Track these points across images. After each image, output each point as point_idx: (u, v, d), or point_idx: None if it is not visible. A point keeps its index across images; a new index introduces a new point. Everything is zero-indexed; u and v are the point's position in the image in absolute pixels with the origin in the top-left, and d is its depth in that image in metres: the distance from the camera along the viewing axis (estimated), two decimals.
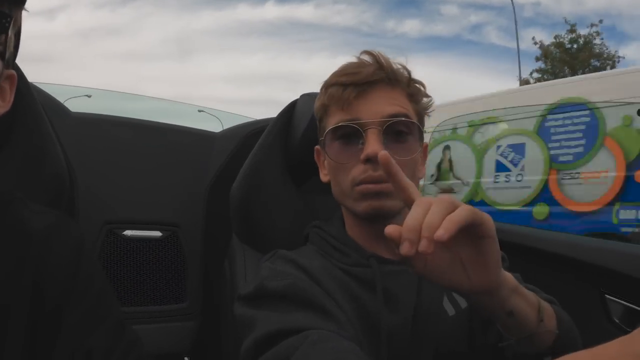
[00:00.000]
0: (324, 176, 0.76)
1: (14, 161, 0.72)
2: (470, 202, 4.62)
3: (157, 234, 1.29)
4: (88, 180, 1.14)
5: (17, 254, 0.56)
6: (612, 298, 0.96)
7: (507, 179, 4.72)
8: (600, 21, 15.85)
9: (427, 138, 0.77)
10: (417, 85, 0.72)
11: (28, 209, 0.61)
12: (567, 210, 4.35)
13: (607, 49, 15.66)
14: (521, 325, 0.56)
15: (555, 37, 16.32)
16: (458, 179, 5.02)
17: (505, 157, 4.76)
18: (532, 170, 4.58)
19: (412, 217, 0.46)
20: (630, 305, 0.93)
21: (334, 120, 0.69)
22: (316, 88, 0.78)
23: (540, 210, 4.44)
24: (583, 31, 15.69)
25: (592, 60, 15.50)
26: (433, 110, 0.74)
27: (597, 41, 15.51)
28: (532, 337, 0.57)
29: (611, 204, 4.18)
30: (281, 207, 0.88)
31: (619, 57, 15.69)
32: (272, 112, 0.96)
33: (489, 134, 4.83)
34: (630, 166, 4.20)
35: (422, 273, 0.51)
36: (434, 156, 5.03)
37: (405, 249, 0.45)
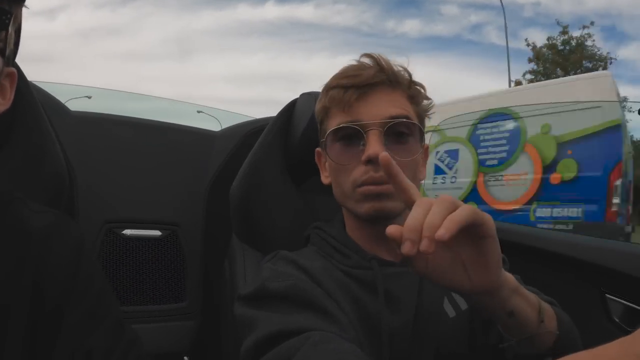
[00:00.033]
0: (325, 178, 0.76)
1: (14, 160, 0.72)
2: None
3: (156, 233, 1.29)
4: (88, 179, 1.14)
5: (17, 254, 0.56)
6: (612, 297, 0.96)
7: (444, 181, 5.58)
8: (592, 23, 16.22)
9: None
10: (418, 88, 0.72)
11: (28, 208, 0.61)
12: (492, 208, 4.99)
13: (598, 50, 16.05)
14: (522, 326, 0.56)
15: (548, 39, 16.70)
16: None
17: (442, 162, 5.60)
18: (464, 173, 5.39)
19: (413, 217, 0.46)
20: (631, 304, 0.93)
21: (335, 122, 0.69)
22: (316, 88, 0.78)
23: None
24: (576, 33, 16.03)
25: (584, 62, 15.82)
26: (434, 112, 0.74)
27: (589, 43, 15.87)
28: (532, 338, 0.57)
29: (529, 203, 4.87)
30: (281, 206, 0.88)
31: (611, 58, 16.09)
32: (273, 112, 0.96)
33: (431, 141, 5.47)
34: (546, 169, 4.91)
35: (423, 273, 0.51)
36: None
37: (406, 248, 0.45)
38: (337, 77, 0.71)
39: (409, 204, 0.51)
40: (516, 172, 5.06)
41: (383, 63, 0.69)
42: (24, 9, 0.57)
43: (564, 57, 15.97)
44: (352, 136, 0.68)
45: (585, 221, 4.63)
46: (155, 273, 1.28)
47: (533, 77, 16.50)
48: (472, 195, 5.25)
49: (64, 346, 0.54)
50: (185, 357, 1.33)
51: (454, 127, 5.46)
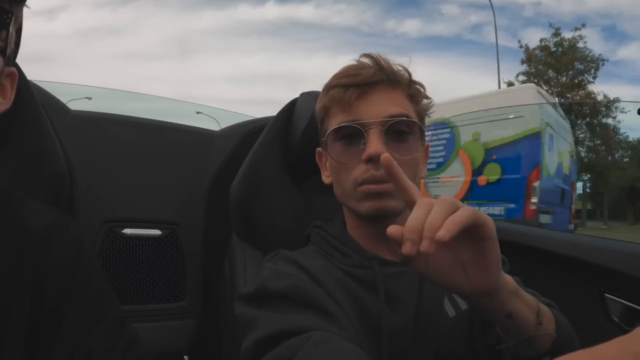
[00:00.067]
0: (326, 178, 0.76)
1: (14, 160, 0.72)
2: None
3: (156, 232, 1.29)
4: (88, 178, 1.14)
5: (17, 253, 0.56)
6: (611, 297, 0.96)
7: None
8: (583, 25, 16.61)
9: None
10: (418, 87, 0.72)
11: (28, 207, 0.61)
12: None
13: (590, 52, 16.42)
14: (520, 327, 0.56)
15: (541, 41, 17.03)
16: None
17: None
18: None
19: (414, 217, 0.46)
20: (630, 304, 0.94)
21: (335, 122, 0.69)
22: (317, 87, 0.78)
23: None
24: (568, 35, 16.33)
25: (576, 63, 16.05)
26: (433, 112, 0.75)
27: (581, 44, 16.20)
28: (530, 339, 0.57)
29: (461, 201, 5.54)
30: (281, 205, 0.88)
31: (602, 60, 16.51)
32: (273, 112, 0.95)
33: None
34: (475, 172, 5.81)
35: (423, 273, 0.51)
36: None
37: (407, 249, 0.45)
38: (337, 76, 0.71)
39: (410, 204, 0.51)
40: (451, 174, 5.96)
41: (382, 62, 0.69)
42: (24, 9, 0.57)
43: (556, 58, 16.30)
44: (353, 135, 0.68)
45: (505, 218, 5.37)
46: (155, 272, 1.28)
47: (526, 78, 16.72)
48: None
49: (64, 345, 0.54)
50: (185, 357, 1.33)
51: None
